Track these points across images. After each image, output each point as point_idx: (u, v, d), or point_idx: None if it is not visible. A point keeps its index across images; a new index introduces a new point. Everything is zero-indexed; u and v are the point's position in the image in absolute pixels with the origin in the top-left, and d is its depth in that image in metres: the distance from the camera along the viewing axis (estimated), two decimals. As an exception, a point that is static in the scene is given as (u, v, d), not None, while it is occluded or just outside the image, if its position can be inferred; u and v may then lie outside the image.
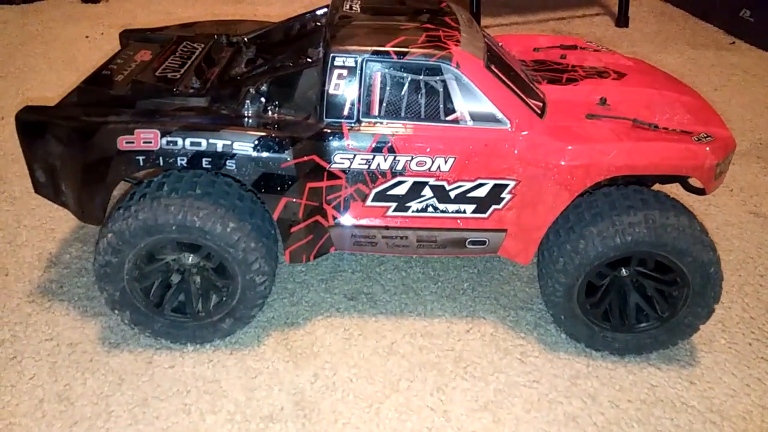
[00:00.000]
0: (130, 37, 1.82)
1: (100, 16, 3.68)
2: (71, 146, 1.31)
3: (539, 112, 1.45)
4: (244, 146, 1.30)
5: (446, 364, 1.47)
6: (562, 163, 1.36)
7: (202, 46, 1.69)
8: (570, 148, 1.37)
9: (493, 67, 1.43)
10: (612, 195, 1.45)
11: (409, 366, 1.46)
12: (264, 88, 1.42)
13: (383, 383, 1.41)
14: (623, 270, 1.48)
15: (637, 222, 1.37)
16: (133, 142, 1.29)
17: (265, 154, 1.31)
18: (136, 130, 1.29)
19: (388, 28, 1.44)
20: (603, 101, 1.54)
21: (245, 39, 1.71)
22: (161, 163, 1.31)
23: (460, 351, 1.51)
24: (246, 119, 1.39)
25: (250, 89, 1.42)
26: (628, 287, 1.49)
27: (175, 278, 1.42)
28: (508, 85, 1.43)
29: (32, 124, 1.33)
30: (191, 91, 1.44)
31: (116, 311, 1.40)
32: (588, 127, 1.44)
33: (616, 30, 4.08)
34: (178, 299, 1.42)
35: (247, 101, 1.41)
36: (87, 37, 3.26)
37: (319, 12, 1.75)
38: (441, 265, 1.78)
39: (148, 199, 1.31)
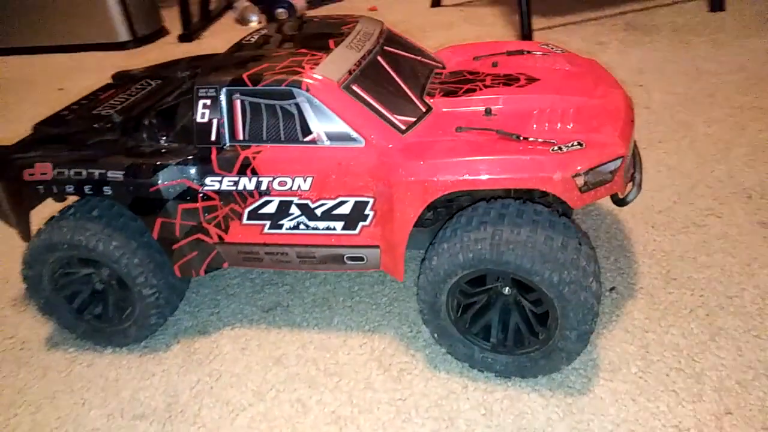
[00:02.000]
0: (119, 77, 2.11)
1: (193, 52, 4.18)
2: (0, 179, 1.59)
3: (403, 128, 1.44)
4: (115, 174, 1.48)
5: (321, 377, 1.51)
6: (403, 179, 1.35)
7: (157, 83, 1.91)
8: (410, 164, 1.35)
9: (355, 86, 1.45)
10: (477, 209, 1.39)
11: (285, 377, 1.52)
12: (154, 120, 1.59)
13: (253, 392, 1.49)
14: (507, 289, 1.40)
15: (481, 238, 1.30)
16: (33, 174, 1.53)
17: (135, 180, 1.47)
18: (36, 164, 1.53)
19: (258, 57, 1.54)
20: (488, 111, 1.48)
21: (187, 73, 1.91)
22: (55, 191, 1.54)
23: (342, 365, 1.54)
24: (141, 148, 1.56)
25: (145, 121, 1.60)
26: (511, 307, 1.41)
27: (98, 288, 1.64)
28: (367, 103, 1.44)
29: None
30: (108, 125, 1.66)
31: (46, 316, 1.65)
32: (448, 142, 1.40)
33: (707, 15, 3.71)
34: (96, 308, 1.64)
35: (144, 132, 1.59)
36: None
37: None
38: (372, 279, 1.81)
39: (51, 222, 1.55)
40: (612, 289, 1.67)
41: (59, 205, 1.69)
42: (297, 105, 1.43)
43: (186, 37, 4.65)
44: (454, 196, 1.51)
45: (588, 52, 3.38)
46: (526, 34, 3.62)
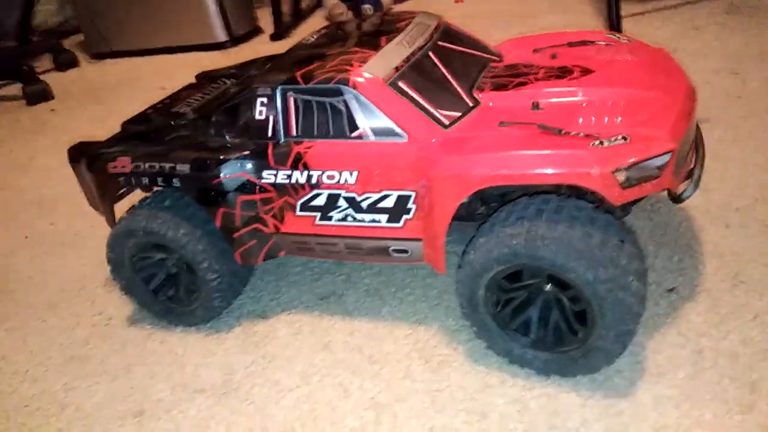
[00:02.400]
0: (201, 77, 2.28)
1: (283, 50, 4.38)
2: (90, 171, 1.77)
3: (446, 123, 1.46)
4: (183, 167, 1.61)
5: (365, 364, 1.57)
6: (440, 173, 1.37)
7: (231, 81, 2.05)
8: (448, 158, 1.36)
9: (401, 83, 1.49)
10: (518, 205, 1.39)
11: (331, 362, 1.60)
12: (215, 117, 1.70)
13: (300, 375, 1.58)
14: (548, 286, 1.39)
15: (517, 233, 1.30)
16: (116, 167, 1.70)
17: (199, 173, 1.60)
18: (118, 158, 1.70)
19: (313, 56, 1.61)
20: (535, 105, 1.47)
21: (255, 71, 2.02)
22: (133, 182, 1.69)
23: (386, 353, 1.59)
24: (207, 143, 1.69)
25: (212, 118, 1.72)
26: (552, 304, 1.40)
27: (172, 271, 1.80)
28: (412, 99, 1.47)
29: (72, 155, 1.83)
30: (182, 123, 1.81)
31: (126, 295, 1.83)
32: (488, 136, 1.40)
33: None
34: (170, 290, 1.80)
35: (212, 129, 1.72)
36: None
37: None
38: (425, 272, 1.84)
39: (131, 210, 1.71)
40: (671, 289, 1.60)
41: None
42: (345, 102, 1.49)
43: (277, 35, 4.86)
44: (506, 190, 1.50)
45: (681, 38, 3.19)
46: (613, 21, 3.46)
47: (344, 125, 1.50)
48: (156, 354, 1.74)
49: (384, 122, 1.46)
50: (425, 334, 1.63)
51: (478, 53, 1.76)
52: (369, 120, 1.48)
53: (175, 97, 2.05)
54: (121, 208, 1.81)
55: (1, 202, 2.91)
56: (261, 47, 4.74)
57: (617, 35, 1.83)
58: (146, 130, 1.86)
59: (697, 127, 1.63)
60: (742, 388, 1.31)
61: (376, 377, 1.53)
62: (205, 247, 1.65)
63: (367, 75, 1.47)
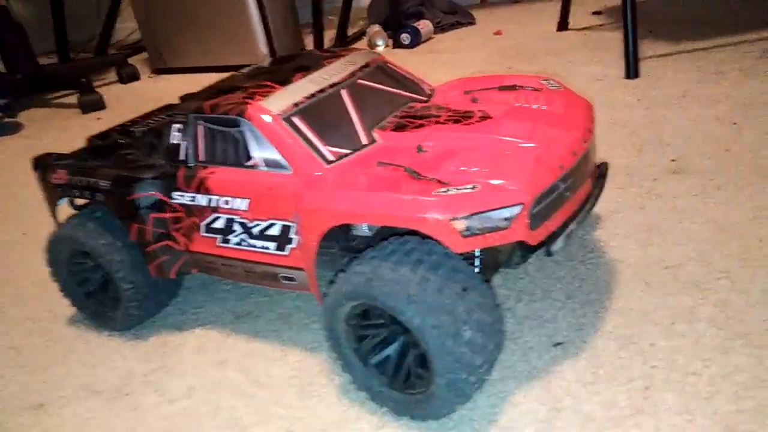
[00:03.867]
0: (183, 98, 2.43)
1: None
2: (40, 179, 1.95)
3: (331, 158, 1.51)
4: (105, 182, 1.75)
5: (245, 385, 1.62)
6: (306, 206, 1.41)
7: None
8: (314, 192, 1.41)
9: (296, 118, 1.55)
10: (382, 244, 1.40)
11: (218, 380, 1.67)
12: (149, 139, 1.83)
13: (187, 388, 1.65)
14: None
15: (361, 272, 1.32)
16: (57, 177, 1.86)
17: (117, 189, 1.73)
18: (58, 170, 1.86)
19: (231, 88, 1.71)
20: (419, 148, 1.49)
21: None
22: (68, 193, 1.85)
23: (270, 377, 1.64)
24: (135, 162, 1.82)
25: (146, 139, 1.85)
26: (409, 345, 1.40)
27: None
28: (302, 134, 1.53)
29: (34, 164, 2.01)
30: (129, 141, 1.96)
31: (64, 295, 1.98)
32: (359, 175, 1.43)
33: None
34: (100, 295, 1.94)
35: (145, 150, 1.85)
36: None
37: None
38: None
39: (69, 218, 1.88)
40: (558, 344, 1.55)
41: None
42: (241, 132, 1.57)
43: (317, 60, 5.04)
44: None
45: (697, 82, 3.06)
46: (631, 61, 3.36)
47: (240, 154, 1.58)
48: (77, 353, 1.88)
49: (273, 154, 1.53)
50: (313, 362, 1.66)
51: (402, 93, 1.79)
52: (261, 151, 1.55)
53: (145, 117, 2.22)
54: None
55: (22, 198, 3.21)
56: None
57: (550, 81, 1.81)
58: (102, 146, 2.02)
59: (598, 182, 1.59)
60: (581, 454, 1.25)
61: (250, 399, 1.58)
62: (122, 258, 1.77)
63: (262, 108, 1.55)
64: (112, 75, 5.69)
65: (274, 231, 1.56)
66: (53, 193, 1.92)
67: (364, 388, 1.47)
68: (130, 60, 5.79)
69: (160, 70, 5.71)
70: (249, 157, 1.57)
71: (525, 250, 1.54)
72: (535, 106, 1.65)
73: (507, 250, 1.52)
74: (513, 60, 4.06)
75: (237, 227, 1.63)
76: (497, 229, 1.28)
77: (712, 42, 3.62)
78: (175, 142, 1.70)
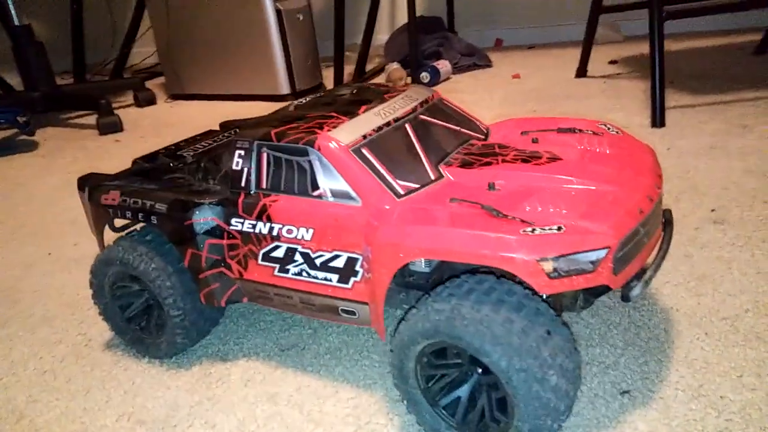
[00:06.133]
0: (224, 126, 2.43)
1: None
2: (89, 200, 1.91)
3: (401, 192, 1.49)
4: (161, 206, 1.72)
5: (300, 421, 1.57)
6: (380, 240, 1.39)
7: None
8: (388, 227, 1.39)
9: (365, 150, 1.54)
10: (455, 281, 1.38)
11: (270, 414, 1.61)
12: (203, 163, 1.81)
13: (238, 422, 1.59)
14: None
15: (441, 309, 1.29)
16: (107, 199, 1.83)
17: (174, 213, 1.69)
18: (110, 191, 1.83)
19: (295, 117, 1.70)
20: (491, 186, 1.48)
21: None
22: (119, 215, 1.81)
23: (324, 414, 1.58)
24: (191, 187, 1.79)
25: (201, 164, 1.83)
26: (482, 388, 1.37)
27: (149, 303, 1.89)
28: (372, 167, 1.52)
29: (80, 184, 1.98)
30: (179, 165, 1.93)
31: (103, 319, 1.93)
32: (434, 211, 1.42)
33: None
34: (142, 320, 1.88)
35: (200, 174, 1.83)
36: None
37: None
38: (389, 337, 1.84)
39: (116, 240, 1.83)
40: (626, 392, 1.51)
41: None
42: (309, 162, 1.56)
43: (337, 94, 5.08)
44: (473, 267, 1.50)
45: (725, 134, 3.10)
46: (658, 111, 3.41)
47: (307, 184, 1.56)
48: (117, 380, 1.82)
49: (342, 185, 1.52)
50: (368, 399, 1.61)
51: (462, 130, 1.79)
52: (329, 181, 1.53)
53: (190, 141, 2.20)
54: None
55: (43, 218, 3.16)
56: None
57: (609, 126, 1.82)
58: (150, 168, 2.00)
59: (667, 227, 1.58)
60: None
61: (306, 437, 1.52)
62: (173, 283, 1.73)
63: (332, 139, 1.54)
64: (129, 98, 5.70)
65: (338, 263, 1.54)
66: (102, 215, 1.88)
67: (431, 429, 1.43)
68: (147, 84, 5.82)
69: (176, 96, 5.73)
70: (316, 187, 1.55)
71: (590, 294, 1.53)
72: (599, 150, 1.65)
73: (572, 294, 1.51)
74: (534, 103, 4.11)
75: (298, 257, 1.60)
76: (583, 272, 1.26)
77: (732, 96, 3.70)
78: (236, 168, 1.68)
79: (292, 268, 1.62)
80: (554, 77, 4.74)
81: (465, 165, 1.59)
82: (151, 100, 5.69)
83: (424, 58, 5.32)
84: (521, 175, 1.50)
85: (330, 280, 1.57)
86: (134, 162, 2.10)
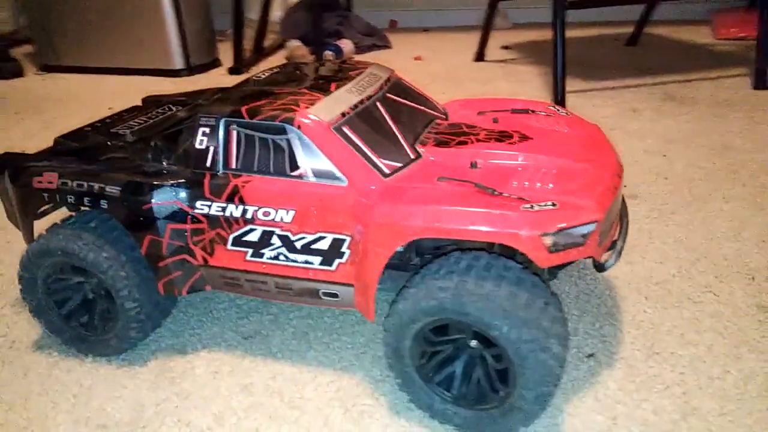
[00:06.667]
0: (147, 101, 2.23)
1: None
2: (13, 183, 1.69)
3: (387, 171, 1.48)
4: (113, 189, 1.56)
5: (283, 409, 1.52)
6: (376, 220, 1.37)
7: (177, 109, 2.02)
8: (384, 206, 1.37)
9: (346, 128, 1.50)
10: (450, 258, 1.40)
11: (249, 405, 1.54)
12: (154, 142, 1.67)
13: (215, 416, 1.51)
14: (473, 342, 1.39)
15: (446, 287, 1.31)
16: (41, 182, 1.63)
17: (130, 196, 1.55)
18: (44, 173, 1.63)
19: (261, 93, 1.61)
20: (473, 164, 1.51)
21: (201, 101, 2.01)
22: (57, 200, 1.62)
23: (307, 400, 1.54)
24: (142, 168, 1.64)
25: (152, 143, 1.68)
26: (476, 360, 1.40)
27: (88, 297, 1.71)
28: (355, 145, 1.49)
29: (2, 165, 1.74)
30: (120, 144, 1.76)
31: (36, 318, 1.72)
32: (426, 189, 1.42)
33: (750, 92, 3.70)
34: (83, 316, 1.70)
35: (150, 153, 1.68)
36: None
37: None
38: (354, 318, 1.82)
39: (51, 229, 1.64)
40: (590, 355, 1.63)
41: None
42: (288, 140, 1.49)
43: (236, 70, 4.87)
44: (440, 243, 1.52)
45: (619, 117, 3.38)
46: (559, 94, 3.64)
47: (285, 163, 1.50)
48: (61, 384, 1.64)
49: (325, 164, 1.47)
50: (349, 382, 1.59)
51: (425, 109, 1.81)
52: (310, 161, 1.48)
53: (117, 118, 2.01)
54: (40, 225, 1.73)
55: None
56: (218, 79, 4.73)
57: (557, 108, 1.92)
58: (79, 148, 1.80)
59: (623, 201, 1.71)
60: (650, 457, 1.33)
61: (294, 423, 1.48)
62: (127, 273, 1.58)
63: (312, 117, 1.48)
64: (-12, 69, 5.05)
65: (322, 245, 1.49)
66: (32, 200, 1.66)
67: (425, 407, 1.44)
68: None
69: (49, 68, 5.17)
70: (295, 167, 1.49)
71: (555, 268, 1.62)
72: (558, 129, 1.74)
73: (538, 268, 1.59)
74: (442, 85, 4.22)
75: (276, 240, 1.53)
76: (575, 245, 1.33)
77: (617, 83, 4.04)
78: (200, 147, 1.56)
79: (268, 252, 1.55)
80: (454, 60, 4.88)
81: (440, 144, 1.61)
82: (17, 72, 5.10)
83: (326, 36, 5.24)
84: (499, 154, 1.55)
85: (311, 263, 1.52)
86: (57, 140, 1.88)
